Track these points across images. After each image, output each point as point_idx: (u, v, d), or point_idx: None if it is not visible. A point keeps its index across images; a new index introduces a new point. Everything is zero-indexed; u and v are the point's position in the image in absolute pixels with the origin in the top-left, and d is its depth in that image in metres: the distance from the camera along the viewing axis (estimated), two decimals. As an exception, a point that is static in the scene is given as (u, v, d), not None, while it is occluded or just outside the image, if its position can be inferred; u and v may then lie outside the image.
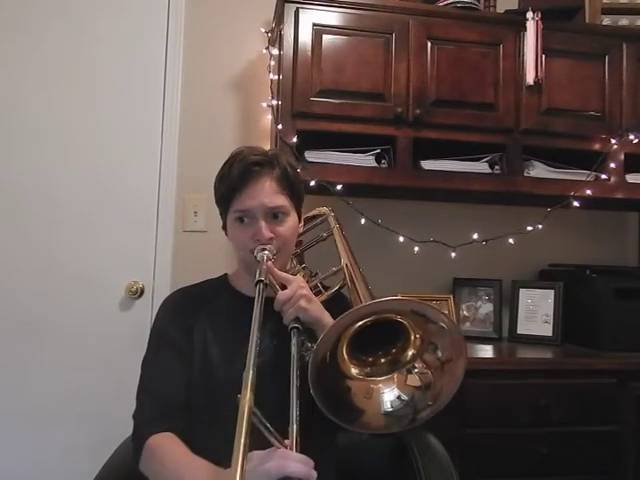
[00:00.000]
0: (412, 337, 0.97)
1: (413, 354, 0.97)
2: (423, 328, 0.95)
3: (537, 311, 2.09)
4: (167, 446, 0.99)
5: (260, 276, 0.98)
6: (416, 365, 0.97)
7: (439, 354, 0.94)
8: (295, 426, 0.79)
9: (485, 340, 2.05)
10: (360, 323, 0.93)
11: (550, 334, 2.02)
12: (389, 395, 0.96)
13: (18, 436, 1.93)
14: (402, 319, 0.95)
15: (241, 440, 0.67)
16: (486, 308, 2.15)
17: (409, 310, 0.93)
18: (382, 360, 0.99)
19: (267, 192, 1.08)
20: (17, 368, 1.95)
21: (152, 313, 1.98)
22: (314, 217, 1.32)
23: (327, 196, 1.79)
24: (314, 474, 0.76)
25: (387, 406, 0.96)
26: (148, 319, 1.98)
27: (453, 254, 1.96)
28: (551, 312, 2.05)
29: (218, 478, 0.87)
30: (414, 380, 0.96)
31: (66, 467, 1.90)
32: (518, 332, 2.09)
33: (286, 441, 0.78)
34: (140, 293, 2.02)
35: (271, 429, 0.77)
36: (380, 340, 0.99)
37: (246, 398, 0.73)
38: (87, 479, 1.15)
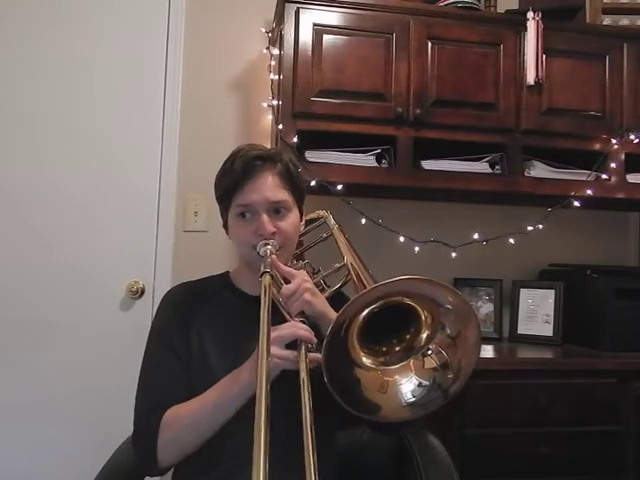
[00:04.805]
0: (423, 318, 0.95)
1: (427, 335, 0.95)
2: (431, 308, 0.93)
3: (537, 311, 2.09)
4: (181, 406, 1.01)
5: (266, 268, 0.97)
6: (430, 347, 0.95)
7: (448, 331, 0.93)
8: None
9: (486, 340, 2.05)
10: (371, 308, 0.91)
11: (550, 334, 2.02)
12: (408, 385, 0.93)
13: (18, 436, 1.93)
14: (412, 302, 0.93)
15: (265, 313, 0.84)
16: (487, 308, 2.16)
17: (424, 290, 0.92)
18: (397, 348, 0.97)
19: (270, 186, 1.07)
20: (17, 368, 1.95)
21: (153, 313, 1.95)
22: (312, 220, 1.30)
23: (327, 196, 1.79)
24: (315, 340, 0.91)
25: (408, 397, 0.93)
26: (148, 319, 1.97)
27: (453, 254, 1.96)
28: (551, 312, 2.05)
29: (237, 375, 0.96)
30: (431, 362, 0.94)
31: (66, 467, 1.91)
32: (518, 332, 2.10)
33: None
34: (140, 293, 2.02)
35: (283, 304, 0.96)
36: (390, 330, 0.97)
37: (266, 277, 0.93)
38: (87, 479, 1.15)
